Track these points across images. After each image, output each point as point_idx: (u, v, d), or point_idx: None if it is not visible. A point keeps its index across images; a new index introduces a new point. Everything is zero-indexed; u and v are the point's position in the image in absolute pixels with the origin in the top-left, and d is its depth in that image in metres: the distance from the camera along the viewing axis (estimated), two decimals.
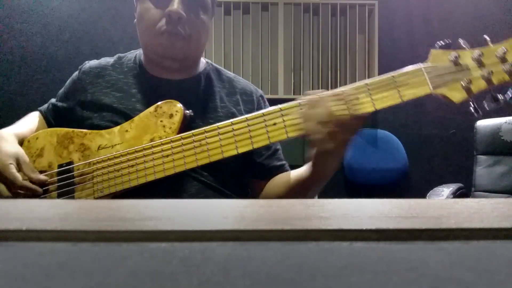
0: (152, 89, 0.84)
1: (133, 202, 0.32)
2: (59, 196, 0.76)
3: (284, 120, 0.67)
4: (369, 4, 2.37)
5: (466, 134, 2.21)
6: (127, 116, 0.79)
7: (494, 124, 1.81)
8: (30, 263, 0.20)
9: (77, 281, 0.18)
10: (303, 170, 0.76)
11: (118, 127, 0.78)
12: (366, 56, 2.39)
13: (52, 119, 0.91)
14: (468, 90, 0.63)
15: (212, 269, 0.19)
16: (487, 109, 0.63)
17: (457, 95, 0.63)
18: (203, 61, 0.92)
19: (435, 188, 1.73)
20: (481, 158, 1.85)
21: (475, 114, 0.64)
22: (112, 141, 0.76)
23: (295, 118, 0.66)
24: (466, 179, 1.93)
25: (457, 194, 1.69)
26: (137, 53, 0.91)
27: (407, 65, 0.67)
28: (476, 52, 0.64)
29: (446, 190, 1.67)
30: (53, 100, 0.93)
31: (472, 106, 0.64)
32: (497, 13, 2.43)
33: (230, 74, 0.94)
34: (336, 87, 2.79)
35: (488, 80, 0.62)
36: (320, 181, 0.74)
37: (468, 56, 0.65)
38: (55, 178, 0.77)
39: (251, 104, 0.89)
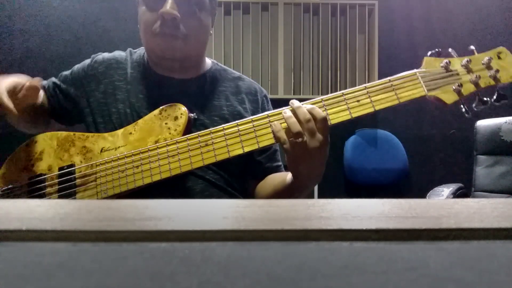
0: (157, 87, 0.85)
1: (133, 202, 0.32)
2: (60, 198, 0.75)
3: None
4: (369, 4, 2.37)
5: (466, 134, 2.21)
6: (135, 110, 0.81)
7: (494, 124, 1.81)
8: (30, 263, 0.20)
9: (77, 281, 0.18)
10: (287, 177, 0.76)
11: (122, 129, 0.78)
12: (366, 56, 2.39)
13: (50, 97, 0.90)
14: (459, 92, 0.70)
15: (212, 269, 0.19)
16: (476, 110, 0.71)
17: (449, 97, 0.70)
18: (208, 61, 0.93)
19: (435, 188, 1.73)
20: (481, 158, 1.85)
21: (466, 115, 0.71)
22: (116, 143, 0.76)
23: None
24: (466, 179, 1.93)
25: (457, 194, 1.69)
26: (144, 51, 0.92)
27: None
28: (465, 59, 0.71)
29: (446, 190, 1.67)
30: (54, 79, 0.92)
31: (463, 107, 0.71)
32: (497, 13, 2.43)
33: (236, 73, 0.95)
34: (336, 87, 2.76)
35: (476, 84, 0.70)
36: (300, 188, 0.73)
37: (457, 63, 0.72)
38: (56, 181, 0.76)
39: (256, 103, 0.90)
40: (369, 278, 0.18)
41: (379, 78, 2.34)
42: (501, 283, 0.18)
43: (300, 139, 0.63)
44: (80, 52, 2.33)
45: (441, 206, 0.30)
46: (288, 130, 0.65)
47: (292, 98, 0.70)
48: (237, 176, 0.85)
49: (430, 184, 1.85)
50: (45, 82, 0.92)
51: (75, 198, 0.74)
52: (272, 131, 0.67)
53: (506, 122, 1.78)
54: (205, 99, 0.85)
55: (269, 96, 0.98)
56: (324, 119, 0.64)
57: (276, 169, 0.88)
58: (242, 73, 0.97)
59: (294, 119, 0.64)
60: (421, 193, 1.92)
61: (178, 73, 0.85)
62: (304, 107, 0.65)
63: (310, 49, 2.38)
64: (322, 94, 2.40)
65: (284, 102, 0.70)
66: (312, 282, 0.18)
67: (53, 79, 0.92)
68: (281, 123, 0.67)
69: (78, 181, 0.75)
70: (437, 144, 2.44)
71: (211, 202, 0.32)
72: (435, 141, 2.45)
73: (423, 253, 0.21)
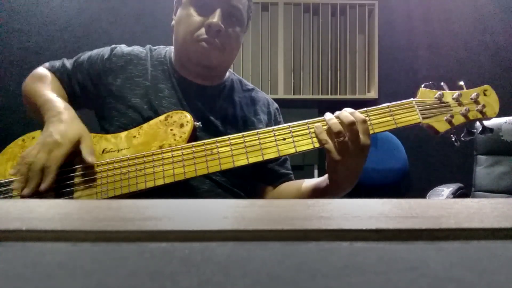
0: (179, 89, 0.86)
1: (133, 202, 0.32)
2: (57, 197, 0.74)
3: (293, 136, 0.73)
4: (369, 4, 2.37)
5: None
6: (154, 109, 0.81)
7: (494, 124, 1.81)
8: (30, 263, 0.20)
9: (77, 281, 0.18)
10: (319, 181, 0.79)
11: (126, 132, 0.78)
12: (366, 56, 2.39)
13: (62, 80, 0.89)
14: (450, 122, 0.77)
15: (212, 269, 0.19)
16: (463, 140, 0.77)
17: (441, 126, 0.77)
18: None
19: (435, 188, 1.72)
20: (481, 158, 1.84)
21: (455, 144, 0.77)
22: (118, 145, 0.76)
23: (304, 135, 0.73)
24: (466, 179, 1.92)
25: (457, 194, 1.69)
26: (168, 50, 0.92)
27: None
28: (456, 93, 0.79)
29: (446, 190, 1.67)
30: (67, 65, 0.91)
31: (453, 137, 0.78)
32: (497, 13, 2.43)
33: (250, 85, 0.98)
34: (336, 87, 2.74)
35: (466, 116, 0.77)
36: (336, 192, 0.77)
37: (449, 96, 0.79)
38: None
39: (269, 115, 0.93)
40: (369, 278, 0.18)
41: (379, 78, 2.36)
42: (501, 283, 0.18)
43: (341, 138, 0.68)
44: (80, 52, 2.33)
45: (441, 206, 0.30)
46: (329, 131, 0.70)
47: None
48: (243, 178, 0.87)
49: (430, 184, 1.84)
50: (57, 64, 0.92)
51: (72, 198, 0.73)
52: (315, 132, 0.71)
53: (506, 122, 1.78)
54: (221, 107, 0.87)
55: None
56: (364, 121, 0.69)
57: (288, 176, 0.91)
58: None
59: (335, 120, 0.70)
60: (421, 193, 1.92)
61: (201, 79, 0.87)
62: (345, 111, 0.70)
63: (310, 49, 2.38)
64: (322, 94, 2.40)
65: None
66: (312, 282, 0.18)
67: (66, 63, 0.91)
68: (301, 130, 0.72)
69: (76, 180, 0.73)
70: (437, 144, 2.44)
71: (211, 202, 0.32)
72: (435, 141, 2.44)
73: (423, 253, 0.21)
